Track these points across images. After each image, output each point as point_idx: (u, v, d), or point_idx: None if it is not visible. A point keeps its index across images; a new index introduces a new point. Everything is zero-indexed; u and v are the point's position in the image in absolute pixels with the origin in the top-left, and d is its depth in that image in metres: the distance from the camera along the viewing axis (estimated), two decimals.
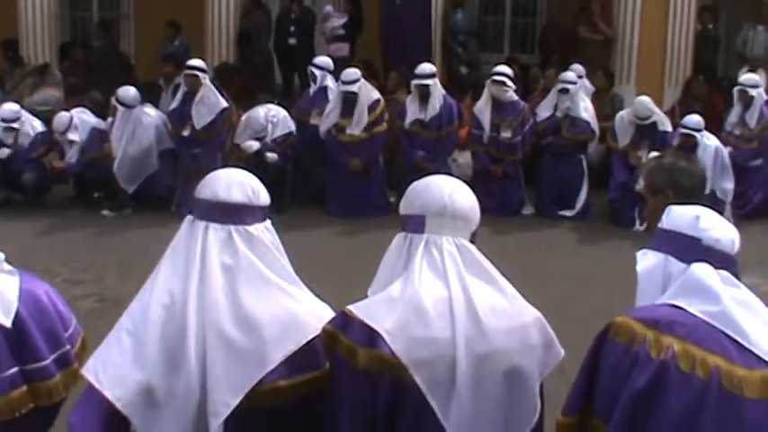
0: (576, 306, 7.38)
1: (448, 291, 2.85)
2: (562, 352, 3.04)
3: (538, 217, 11.55)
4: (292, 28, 14.72)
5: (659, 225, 3.00)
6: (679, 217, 2.95)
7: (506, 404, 2.90)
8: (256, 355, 2.86)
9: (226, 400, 2.82)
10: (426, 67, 11.29)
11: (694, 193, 4.12)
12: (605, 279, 7.98)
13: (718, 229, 2.91)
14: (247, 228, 3.03)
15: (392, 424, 2.82)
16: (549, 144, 11.75)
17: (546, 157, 11.82)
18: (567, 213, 11.52)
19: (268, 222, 3.14)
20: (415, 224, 2.96)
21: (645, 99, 11.46)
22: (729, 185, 11.25)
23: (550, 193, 11.69)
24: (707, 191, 10.68)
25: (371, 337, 2.80)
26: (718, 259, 2.86)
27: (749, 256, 9.84)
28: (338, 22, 14.67)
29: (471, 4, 15.44)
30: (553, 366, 3.02)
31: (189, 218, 3.06)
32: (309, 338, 2.93)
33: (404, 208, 3.02)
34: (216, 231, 2.99)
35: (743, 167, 11.78)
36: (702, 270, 2.82)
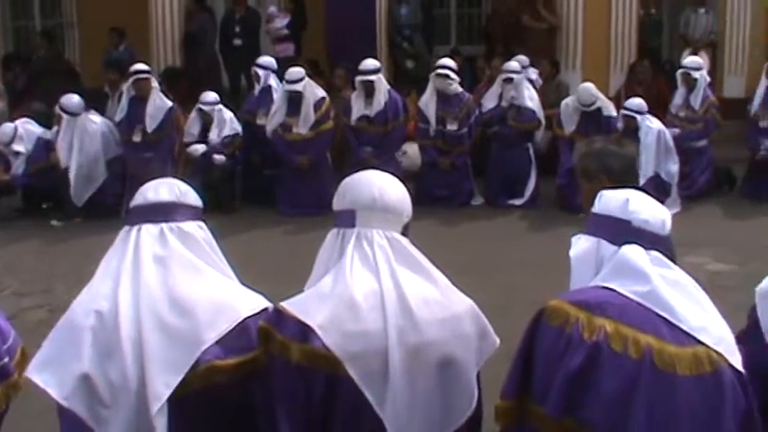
0: (527, 293, 7.38)
1: (379, 283, 2.86)
2: (497, 340, 3.06)
3: (487, 207, 11.61)
4: (237, 29, 14.67)
5: (592, 209, 3.03)
6: (609, 201, 2.98)
7: (442, 394, 2.92)
8: (191, 335, 2.89)
9: (165, 381, 2.84)
10: (370, 63, 11.32)
11: (626, 176, 4.13)
12: (556, 265, 7.86)
13: (648, 210, 2.94)
14: (180, 225, 3.09)
15: (329, 418, 2.83)
16: (496, 134, 11.81)
17: (493, 147, 11.88)
18: (517, 202, 11.60)
19: (201, 223, 3.18)
20: (346, 219, 2.99)
21: (588, 85, 11.54)
22: (674, 167, 11.37)
23: (499, 183, 11.76)
24: (651, 173, 10.97)
25: (304, 332, 2.82)
26: (649, 240, 2.89)
27: (696, 236, 10.17)
28: (282, 22, 14.66)
29: None
30: (489, 355, 3.04)
31: (124, 229, 3.11)
32: (243, 318, 2.96)
33: (336, 204, 3.04)
34: (148, 230, 3.06)
35: (688, 149, 11.92)
36: (632, 252, 2.85)
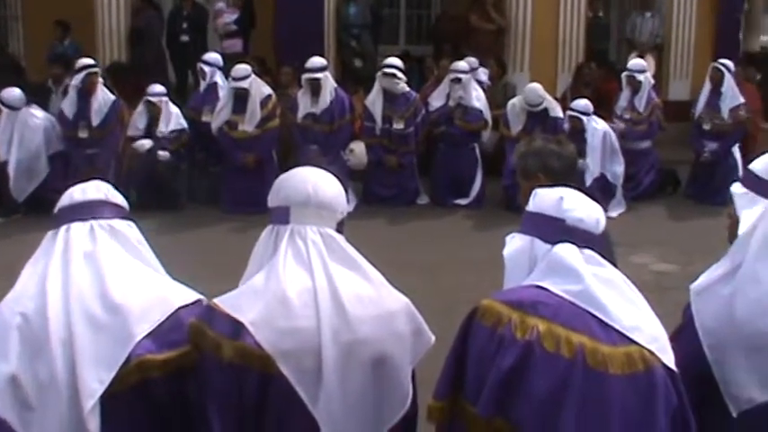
0: (472, 292, 7.35)
1: (312, 280, 2.85)
2: (432, 338, 3.05)
3: (433, 206, 11.61)
4: (185, 25, 14.56)
5: (526, 208, 3.02)
6: (543, 199, 2.96)
7: (376, 392, 2.91)
8: (123, 330, 2.86)
9: (98, 377, 2.81)
10: (317, 61, 11.27)
11: (565, 174, 4.14)
12: (500, 265, 7.98)
13: (582, 209, 2.92)
14: (110, 222, 3.06)
15: (261, 416, 2.81)
16: (443, 133, 11.81)
17: (439, 146, 11.89)
18: (462, 201, 11.61)
19: (131, 222, 3.15)
20: (281, 215, 2.97)
21: (535, 86, 11.58)
22: (619, 168, 11.49)
23: (445, 182, 11.77)
24: (597, 174, 11.05)
25: (236, 329, 2.79)
26: (583, 239, 2.88)
27: (641, 236, 10.25)
28: (230, 17, 14.55)
29: None
30: (423, 353, 3.03)
31: (50, 232, 3.07)
32: (176, 308, 2.95)
33: (270, 200, 3.03)
34: (78, 228, 3.02)
35: (633, 150, 12.03)
36: (565, 250, 2.84)
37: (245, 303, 2.84)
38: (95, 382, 2.80)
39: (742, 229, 3.15)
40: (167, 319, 2.92)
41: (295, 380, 2.78)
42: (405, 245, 9.76)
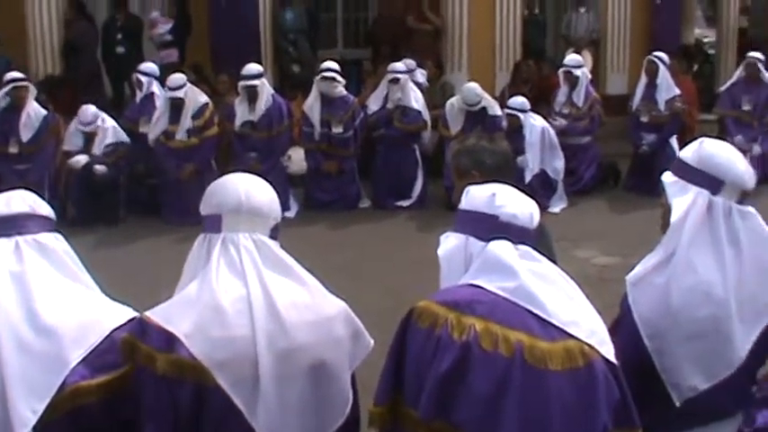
0: (416, 294, 7.35)
1: (246, 288, 2.81)
2: (371, 342, 3.03)
3: (375, 209, 11.58)
4: (119, 36, 14.37)
5: (459, 206, 2.99)
6: (476, 196, 2.94)
7: (315, 399, 2.88)
8: (56, 356, 2.79)
9: (31, 406, 2.73)
10: (253, 68, 11.19)
11: (499, 171, 4.11)
12: None
13: (515, 204, 2.90)
14: (35, 237, 2.99)
15: (198, 428, 2.76)
16: (382, 136, 11.78)
17: (379, 149, 11.86)
18: (404, 203, 11.59)
19: (57, 234, 3.06)
20: (213, 223, 2.93)
21: (473, 85, 11.60)
22: (560, 163, 11.57)
23: (386, 185, 11.74)
24: (537, 170, 11.12)
25: (170, 341, 2.74)
26: (517, 234, 2.85)
27: (583, 230, 10.31)
28: (165, 27, 14.41)
29: (301, 2, 15.33)
30: (363, 357, 3.01)
31: None
32: (110, 331, 2.88)
33: (202, 208, 2.99)
34: (2, 245, 2.93)
35: (573, 145, 12.12)
36: (499, 247, 2.82)
37: (177, 315, 2.79)
38: (28, 412, 2.72)
39: (674, 218, 3.17)
40: (102, 341, 2.86)
41: (232, 390, 2.74)
42: (347, 249, 9.74)
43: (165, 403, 2.74)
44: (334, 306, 2.96)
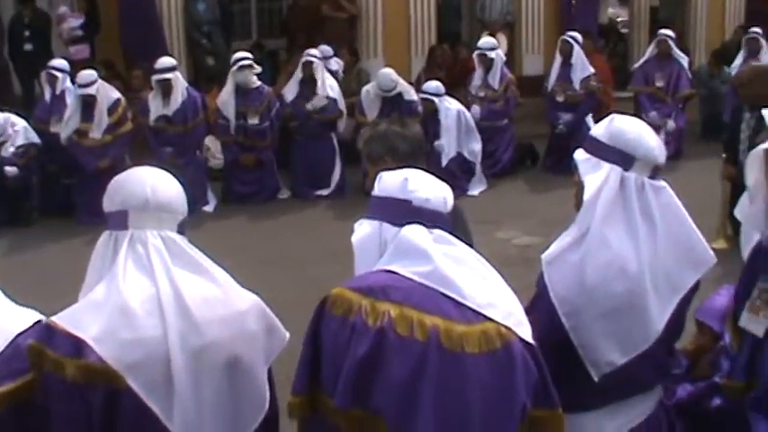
0: (338, 282, 7.36)
1: (155, 287, 2.74)
2: (286, 335, 3.00)
3: (294, 199, 11.55)
4: (27, 33, 14.01)
5: (372, 193, 2.97)
6: (388, 182, 2.91)
7: (232, 396, 2.84)
8: None
9: None
10: (166, 61, 11.05)
11: (412, 156, 4.11)
12: None
13: (427, 188, 2.88)
14: None
15: None
16: (299, 126, 11.70)
17: (296, 139, 11.79)
18: (323, 192, 11.58)
19: None
20: (118, 220, 2.85)
21: (388, 71, 11.62)
22: (477, 146, 11.64)
23: (304, 175, 11.70)
24: (454, 153, 11.16)
25: (78, 346, 2.67)
26: (431, 218, 2.84)
27: (503, 211, 10.39)
28: (75, 22, 14.10)
29: None
30: (278, 351, 2.98)
31: None
32: (14, 336, 2.79)
33: (106, 205, 2.91)
34: None
35: (490, 127, 12.17)
36: (412, 231, 2.80)
37: (85, 319, 2.71)
38: None
39: (587, 195, 3.17)
40: (7, 347, 2.76)
41: (145, 393, 2.68)
42: (268, 241, 9.69)
43: (76, 409, 2.66)
44: (246, 300, 2.91)
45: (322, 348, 2.77)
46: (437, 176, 3.01)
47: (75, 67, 11.92)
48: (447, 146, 11.27)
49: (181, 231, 2.90)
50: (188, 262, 2.83)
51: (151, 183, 2.88)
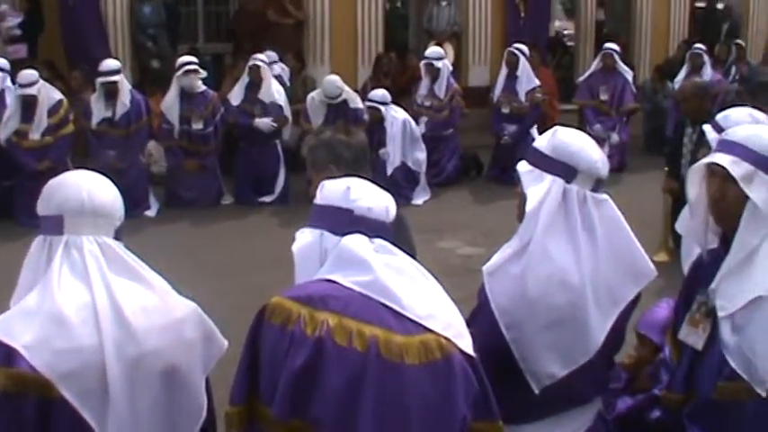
0: (281, 289, 7.30)
1: (91, 294, 2.70)
2: (225, 343, 2.97)
3: (238, 205, 11.48)
4: None
5: (314, 201, 2.95)
6: (330, 191, 2.90)
7: (169, 406, 2.81)
8: None
9: None
10: (111, 64, 10.92)
11: (356, 164, 4.12)
12: None
13: (369, 198, 2.87)
14: None
15: None
16: (243, 131, 11.62)
17: (241, 144, 11.74)
18: (267, 199, 11.52)
19: None
20: (53, 225, 2.80)
21: (333, 78, 11.61)
22: (422, 156, 11.68)
23: (248, 181, 11.64)
24: (398, 163, 11.18)
25: (9, 355, 2.62)
26: (373, 228, 2.83)
27: (447, 221, 10.41)
28: (14, 21, 13.92)
29: None
30: (216, 359, 2.95)
31: None
32: None
33: (40, 209, 2.87)
34: None
35: (435, 137, 12.20)
36: (353, 241, 2.78)
37: (17, 326, 2.65)
38: None
39: (529, 207, 3.17)
40: None
41: (79, 403, 2.63)
42: (211, 247, 9.62)
43: (6, 420, 2.61)
44: (184, 308, 2.87)
45: (260, 358, 2.74)
46: (381, 185, 3.01)
47: (14, 66, 11.74)
48: (392, 155, 11.29)
49: (117, 237, 2.86)
50: (124, 268, 2.79)
51: (87, 187, 2.84)
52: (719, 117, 5.79)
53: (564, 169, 3.18)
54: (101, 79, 10.80)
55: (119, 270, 2.77)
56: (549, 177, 3.18)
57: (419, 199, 11.54)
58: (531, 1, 15.95)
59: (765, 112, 5.76)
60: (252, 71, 11.56)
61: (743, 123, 4.57)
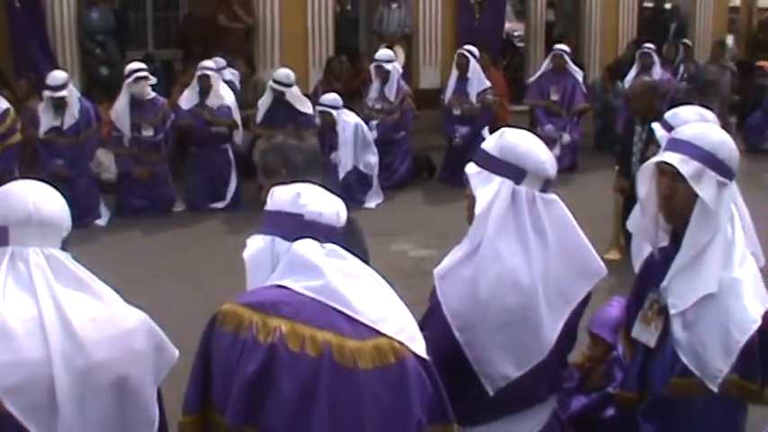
0: (234, 295, 7.25)
1: (37, 306, 2.65)
2: (176, 353, 2.94)
3: (190, 212, 11.36)
4: None
5: (265, 207, 2.94)
6: (281, 196, 2.89)
7: (119, 418, 2.77)
8: None
9: None
10: (59, 77, 10.57)
11: (307, 169, 4.13)
12: None
13: (320, 203, 2.86)
14: None
15: None
16: (194, 137, 11.53)
17: (192, 151, 11.63)
18: (219, 205, 11.41)
19: None
20: None
21: (287, 69, 11.63)
22: (373, 159, 11.67)
23: (200, 187, 11.52)
24: (350, 167, 11.16)
25: None
26: (324, 233, 2.82)
27: (399, 224, 10.40)
28: None
29: (107, 1, 14.84)
30: (167, 369, 2.91)
31: None
32: None
33: None
34: None
35: (387, 140, 12.20)
36: (304, 246, 2.77)
37: None
38: None
39: (478, 209, 3.16)
40: None
41: (25, 417, 2.59)
42: (163, 254, 9.53)
43: None
44: (133, 319, 2.83)
45: (213, 366, 2.72)
46: (332, 190, 3.01)
47: None
48: (344, 159, 11.27)
49: (64, 248, 2.82)
50: (72, 280, 2.75)
51: (33, 198, 2.79)
52: (668, 115, 5.83)
53: (512, 170, 3.18)
54: (48, 93, 10.53)
55: (66, 281, 2.73)
56: (497, 179, 3.18)
57: (372, 202, 11.53)
58: (487, 2, 15.99)
59: (713, 111, 5.83)
60: (201, 80, 11.44)
61: (691, 122, 4.63)
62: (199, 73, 11.49)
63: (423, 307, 3.29)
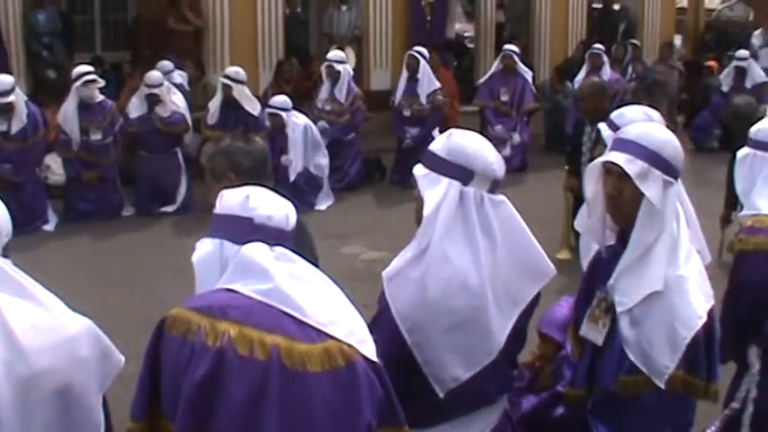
0: (184, 300, 7.21)
1: None
2: (122, 359, 2.87)
3: (139, 216, 11.28)
4: None
5: (214, 211, 2.91)
6: (230, 200, 2.88)
7: (63, 426, 2.70)
8: None
9: None
10: (4, 82, 10.36)
11: (256, 172, 4.12)
12: None
13: (269, 206, 2.85)
14: None
15: None
16: (143, 141, 11.44)
17: (141, 154, 11.54)
18: (169, 209, 11.34)
19: None
20: None
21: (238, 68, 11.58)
22: (324, 161, 11.66)
23: (149, 191, 11.45)
24: (301, 168, 11.15)
25: None
26: (273, 236, 2.81)
27: (350, 226, 10.39)
28: None
29: (53, 3, 14.66)
30: (113, 377, 2.85)
31: None
32: None
33: None
34: None
35: (337, 142, 12.20)
36: (253, 249, 2.76)
37: None
38: None
39: (426, 211, 3.16)
40: None
41: None
42: (112, 259, 9.45)
43: None
44: (77, 325, 2.77)
45: (161, 371, 2.70)
46: (283, 192, 3.00)
47: None
48: (294, 161, 11.24)
49: (5, 255, 2.76)
50: (13, 286, 2.68)
51: None
52: (614, 115, 5.86)
53: (460, 172, 3.18)
54: None
55: (6, 288, 2.67)
56: (445, 180, 3.18)
57: (322, 204, 11.52)
58: (435, 3, 16.03)
59: (661, 111, 5.88)
60: (149, 98, 11.30)
61: (637, 121, 4.65)
62: (146, 92, 11.33)
63: (374, 309, 3.29)
